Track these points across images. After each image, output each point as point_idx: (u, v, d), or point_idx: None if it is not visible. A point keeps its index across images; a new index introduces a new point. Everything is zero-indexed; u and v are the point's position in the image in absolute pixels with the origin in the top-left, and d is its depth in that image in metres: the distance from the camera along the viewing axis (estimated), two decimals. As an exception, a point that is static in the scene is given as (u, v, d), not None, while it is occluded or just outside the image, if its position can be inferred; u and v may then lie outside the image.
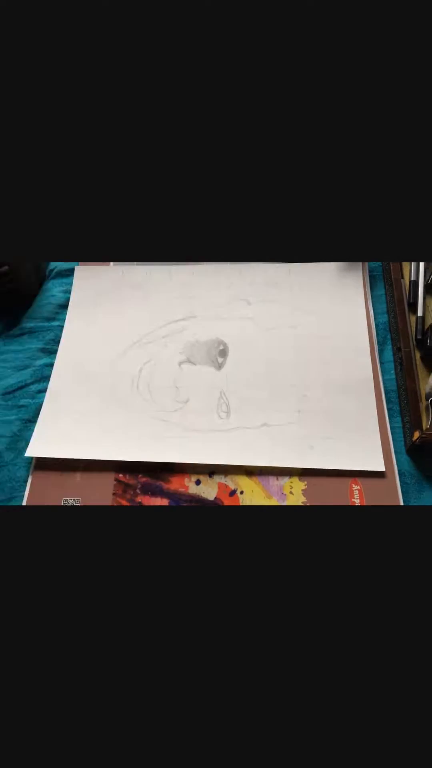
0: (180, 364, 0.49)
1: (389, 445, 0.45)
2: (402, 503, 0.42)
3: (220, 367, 0.48)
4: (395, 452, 0.45)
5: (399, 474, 0.44)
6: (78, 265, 0.56)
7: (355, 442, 0.44)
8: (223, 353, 0.49)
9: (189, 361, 0.49)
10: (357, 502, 0.43)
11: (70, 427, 0.43)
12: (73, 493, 0.43)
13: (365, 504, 0.42)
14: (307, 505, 0.43)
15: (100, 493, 0.43)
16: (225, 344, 0.49)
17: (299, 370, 0.48)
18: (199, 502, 0.43)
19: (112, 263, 0.55)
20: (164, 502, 0.43)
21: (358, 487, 0.43)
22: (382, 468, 0.43)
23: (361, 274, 0.53)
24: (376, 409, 0.46)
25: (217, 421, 0.46)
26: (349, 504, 0.42)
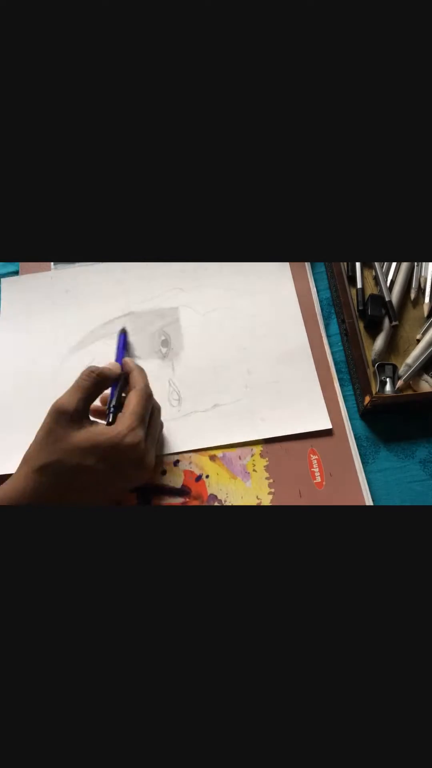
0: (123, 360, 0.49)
1: (344, 412, 0.47)
2: (358, 467, 0.44)
3: (164, 357, 0.49)
4: (350, 418, 0.47)
5: (356, 438, 0.46)
6: (14, 275, 0.55)
7: (301, 406, 0.46)
8: (166, 343, 0.50)
9: (133, 355, 0.49)
10: (316, 471, 0.44)
11: (20, 443, 0.41)
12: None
13: (324, 471, 0.44)
14: (270, 480, 0.44)
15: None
16: (166, 334, 0.50)
17: (240, 348, 0.49)
18: (168, 491, 0.44)
19: (51, 266, 0.54)
20: (132, 496, 0.43)
21: (316, 457, 0.45)
22: (329, 426, 0.45)
23: None
24: (316, 373, 0.48)
25: (170, 410, 0.46)
26: (309, 473, 0.44)
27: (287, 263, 0.54)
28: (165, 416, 0.46)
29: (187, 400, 0.47)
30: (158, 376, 0.48)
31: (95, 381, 0.39)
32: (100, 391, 0.41)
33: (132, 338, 0.50)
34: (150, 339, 0.50)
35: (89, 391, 0.39)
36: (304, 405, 0.46)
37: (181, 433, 0.45)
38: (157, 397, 0.46)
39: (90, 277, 0.54)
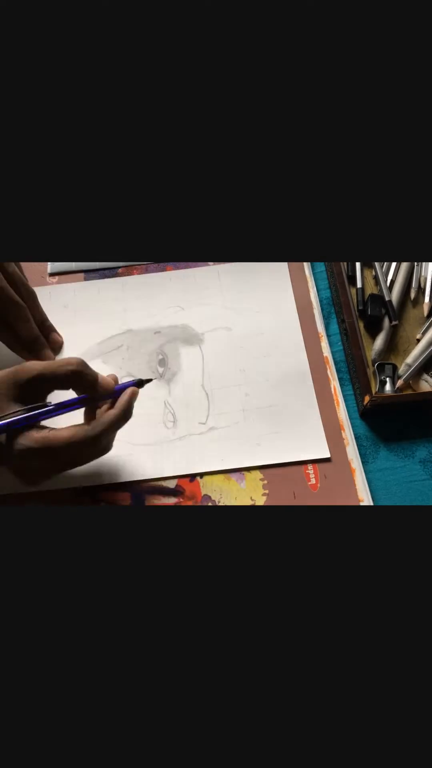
0: (120, 379, 0.48)
1: (343, 412, 0.46)
2: (358, 467, 0.44)
3: (161, 377, 0.48)
4: (350, 418, 0.46)
5: (355, 438, 0.45)
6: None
7: (300, 432, 0.45)
8: (163, 363, 0.49)
9: (129, 375, 0.48)
10: (311, 473, 0.44)
11: None
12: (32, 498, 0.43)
13: (319, 473, 0.43)
14: (265, 481, 0.43)
15: (61, 495, 0.43)
16: (164, 353, 0.49)
17: (239, 369, 0.48)
18: (162, 491, 0.43)
19: (48, 266, 0.54)
20: (126, 495, 0.43)
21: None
22: (327, 455, 0.44)
23: (287, 270, 0.53)
24: (315, 399, 0.46)
25: (165, 432, 0.45)
26: (304, 475, 0.43)
27: (288, 278, 0.52)
28: (159, 438, 0.45)
29: (182, 422, 0.46)
30: (154, 396, 0.46)
31: (75, 377, 0.37)
32: (69, 387, 0.38)
33: (128, 357, 0.49)
34: (147, 358, 0.49)
35: (60, 380, 0.37)
36: (303, 432, 0.45)
37: (174, 456, 0.44)
38: (152, 419, 0.46)
39: (89, 293, 0.52)
